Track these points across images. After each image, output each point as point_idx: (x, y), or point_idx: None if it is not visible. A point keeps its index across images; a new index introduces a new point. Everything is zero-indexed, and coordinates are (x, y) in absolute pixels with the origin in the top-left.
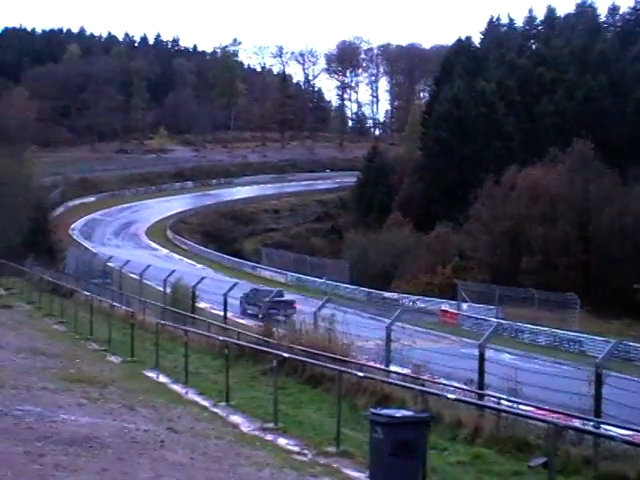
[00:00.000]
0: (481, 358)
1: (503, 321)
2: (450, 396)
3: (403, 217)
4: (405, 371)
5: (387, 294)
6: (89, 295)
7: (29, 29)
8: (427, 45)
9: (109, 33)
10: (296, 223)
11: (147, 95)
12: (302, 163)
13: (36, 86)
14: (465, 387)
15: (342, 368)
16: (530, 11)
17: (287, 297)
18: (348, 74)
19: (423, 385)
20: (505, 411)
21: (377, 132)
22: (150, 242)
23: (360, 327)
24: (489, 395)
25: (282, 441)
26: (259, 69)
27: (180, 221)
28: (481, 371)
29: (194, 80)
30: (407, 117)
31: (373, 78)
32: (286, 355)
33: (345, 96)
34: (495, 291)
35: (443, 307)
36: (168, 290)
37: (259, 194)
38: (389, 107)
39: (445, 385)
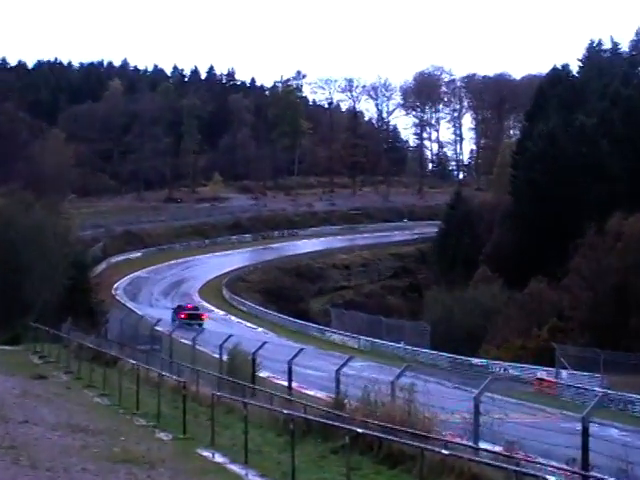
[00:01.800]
0: (585, 434)
1: (609, 391)
2: (549, 478)
3: (492, 272)
4: (496, 449)
5: (474, 360)
6: (135, 364)
7: (65, 63)
8: (517, 75)
9: (155, 66)
10: (370, 280)
11: (199, 136)
12: (376, 211)
13: (74, 127)
14: (566, 467)
15: (424, 445)
16: (638, 34)
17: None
18: (427, 110)
19: (517, 465)
20: None
21: (461, 175)
22: (204, 303)
23: (444, 398)
24: (595, 477)
25: None
26: (326, 105)
27: (238, 279)
28: (585, 449)
29: (252, 119)
30: (495, 158)
31: (456, 114)
32: (360, 430)
33: (424, 135)
34: (599, 356)
35: (539, 375)
36: (225, 357)
37: (327, 247)
38: (474, 147)
39: (543, 465)
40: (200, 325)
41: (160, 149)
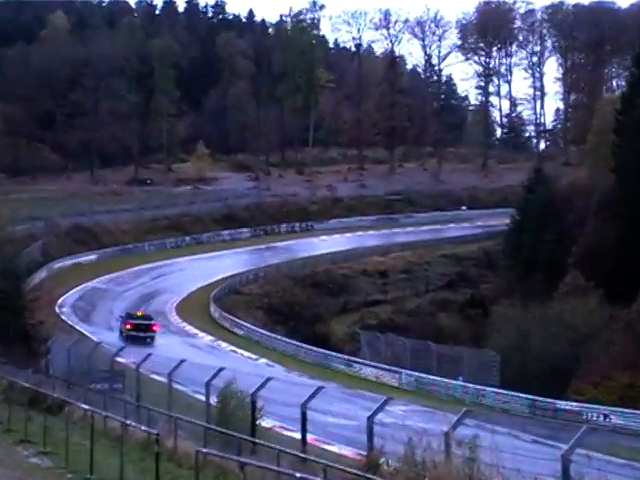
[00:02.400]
0: None
1: None
2: None
3: (586, 280)
4: None
5: (561, 404)
6: (88, 409)
7: None
8: (624, 2)
9: None
10: (414, 292)
11: (177, 93)
12: (422, 197)
13: None
14: None
15: None
16: None
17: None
18: (495, 53)
19: None
20: None
21: (542, 145)
22: (184, 324)
23: (520, 457)
24: None
25: None
26: (353, 49)
27: (231, 291)
28: None
29: (250, 68)
30: (591, 120)
31: (535, 59)
32: None
33: (490, 89)
34: None
35: None
36: (213, 400)
37: (355, 247)
38: (561, 105)
39: None
40: (151, 339)
41: (122, 111)
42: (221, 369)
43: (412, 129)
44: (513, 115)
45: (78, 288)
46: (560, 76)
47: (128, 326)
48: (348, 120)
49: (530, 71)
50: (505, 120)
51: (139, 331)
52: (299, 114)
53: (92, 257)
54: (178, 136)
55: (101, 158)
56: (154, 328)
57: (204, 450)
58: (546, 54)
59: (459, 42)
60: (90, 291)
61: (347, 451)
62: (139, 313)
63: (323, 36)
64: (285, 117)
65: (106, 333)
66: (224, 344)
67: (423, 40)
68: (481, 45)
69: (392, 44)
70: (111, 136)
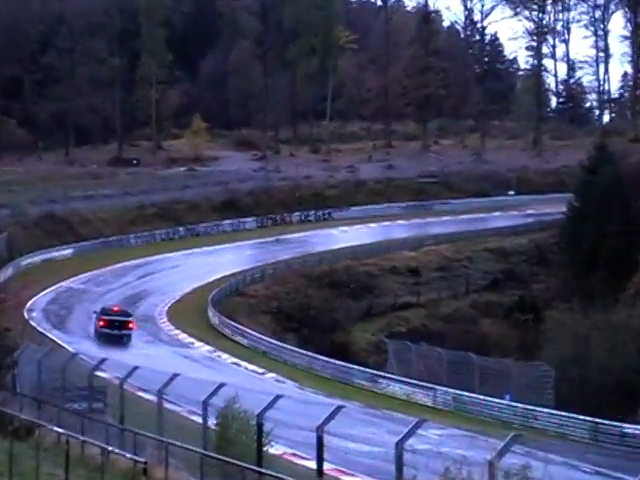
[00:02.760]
0: None
1: None
2: None
3: None
4: None
5: (629, 427)
6: (62, 433)
7: None
8: None
9: None
10: (452, 293)
11: (167, 56)
12: (462, 179)
13: None
14: None
15: None
16: None
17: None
18: (549, 7)
19: None
20: None
21: (606, 118)
22: (177, 332)
23: None
24: None
25: None
26: (379, 2)
27: (233, 292)
28: None
29: (255, 26)
30: None
31: (598, 14)
32: None
33: (544, 50)
34: None
35: None
36: (212, 422)
37: (381, 239)
38: (629, 69)
39: None
40: (127, 338)
41: (103, 77)
42: (221, 385)
43: (449, 99)
44: (571, 81)
45: (51, 289)
46: (628, 34)
47: (101, 323)
48: (373, 88)
49: (592, 28)
50: (561, 88)
51: (113, 328)
52: (314, 81)
53: (67, 252)
54: (170, 107)
55: (78, 134)
56: (129, 325)
57: None
58: (611, 7)
59: None
60: (65, 292)
61: None
62: (115, 308)
63: None
64: (297, 85)
65: (84, 342)
66: (225, 355)
67: None
68: None
69: None
70: (90, 108)
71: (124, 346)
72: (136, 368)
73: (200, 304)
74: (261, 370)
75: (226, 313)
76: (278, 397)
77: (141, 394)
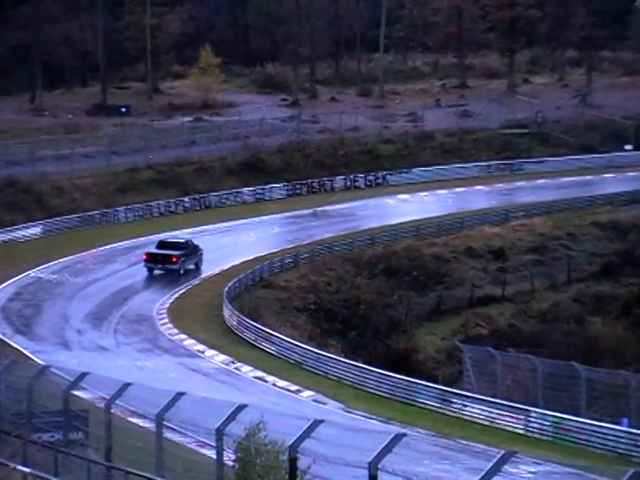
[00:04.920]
0: None
1: None
2: None
3: None
4: None
5: None
6: (29, 473)
7: None
8: None
9: None
10: (549, 282)
11: None
12: (561, 130)
13: None
14: None
15: None
16: None
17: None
18: None
19: None
20: None
21: None
22: (181, 337)
23: None
24: None
25: None
26: None
27: (257, 283)
28: None
29: None
30: None
31: None
32: None
33: None
34: None
35: None
36: (228, 457)
37: (454, 211)
38: None
39: None
40: (174, 271)
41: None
42: (241, 407)
43: (545, 21)
44: None
45: (12, 280)
46: None
47: (144, 256)
48: (441, 8)
49: None
50: None
51: (156, 262)
52: (362, 0)
53: (35, 230)
54: (170, 37)
55: (47, 74)
56: (172, 259)
57: None
58: None
59: None
60: (31, 285)
61: None
62: (172, 240)
63: None
64: (341, 5)
65: (59, 352)
66: (246, 368)
67: None
68: None
69: None
70: (63, 38)
71: (117, 359)
72: (128, 385)
73: (212, 300)
74: (295, 387)
75: (247, 311)
76: (317, 423)
77: (134, 420)
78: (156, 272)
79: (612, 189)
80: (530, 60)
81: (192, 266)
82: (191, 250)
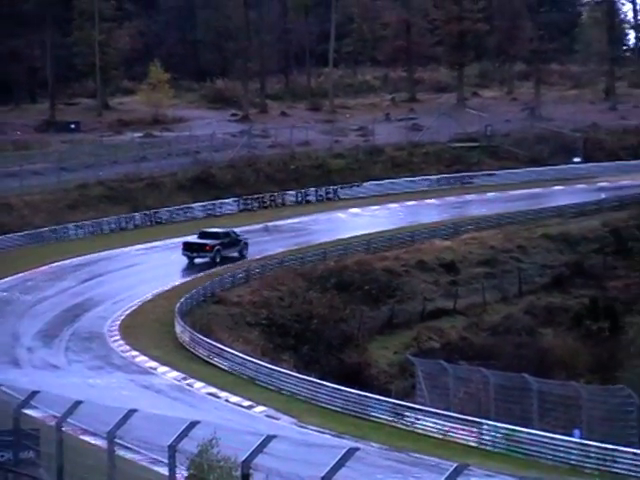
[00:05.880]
0: None
1: None
2: None
3: None
4: None
5: None
6: None
7: None
8: None
9: None
10: (501, 295)
11: None
12: (511, 143)
13: None
14: None
15: None
16: None
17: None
18: None
19: None
20: None
21: None
22: (133, 353)
23: None
24: None
25: None
26: None
27: (208, 298)
28: None
29: None
30: None
31: None
32: None
33: None
34: None
35: None
36: (181, 474)
37: (403, 225)
38: None
39: None
40: (211, 259)
41: (27, 11)
42: (193, 424)
43: (493, 35)
44: None
45: None
46: None
47: (182, 245)
48: (390, 22)
49: None
50: None
51: (192, 251)
52: (312, 14)
53: None
54: (119, 53)
55: None
56: (206, 248)
57: None
58: None
59: None
60: None
61: None
62: (211, 230)
63: None
64: (290, 20)
65: (9, 370)
66: (198, 384)
67: None
68: None
69: None
70: (11, 54)
71: (68, 377)
72: (79, 403)
73: (164, 316)
74: (247, 403)
75: (199, 327)
76: (270, 438)
77: (86, 438)
78: (197, 260)
79: (561, 201)
80: (479, 74)
81: (235, 254)
82: (231, 240)
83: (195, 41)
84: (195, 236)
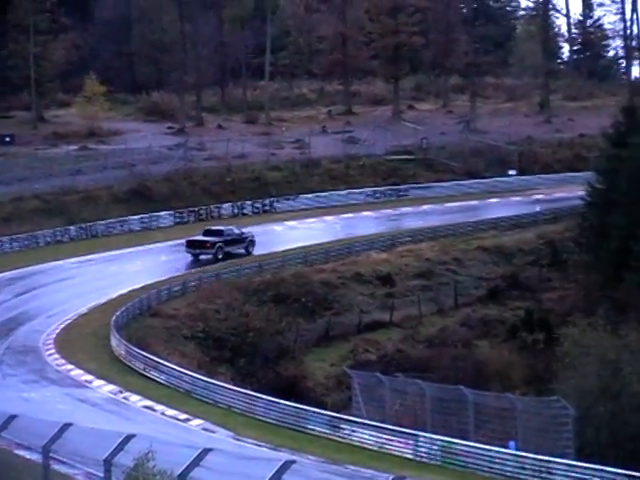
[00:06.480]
0: None
1: None
2: None
3: None
4: None
5: None
6: None
7: None
8: None
9: None
10: (437, 307)
11: None
12: (446, 156)
13: None
14: None
15: None
16: None
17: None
18: None
19: None
20: None
21: (636, 71)
22: (69, 367)
23: None
24: None
25: None
26: None
27: (144, 311)
28: None
29: None
30: None
31: None
32: None
33: None
34: None
35: None
36: None
37: (340, 237)
38: None
39: None
40: (212, 256)
41: None
42: (129, 437)
43: (429, 48)
44: (588, 23)
45: None
46: None
47: (185, 243)
48: (326, 35)
49: None
50: (576, 32)
51: (194, 248)
52: (248, 28)
53: None
54: (54, 66)
55: None
56: (206, 245)
57: None
58: None
59: None
60: None
61: None
62: (214, 228)
63: None
64: (225, 33)
65: None
66: (134, 397)
67: None
68: None
69: None
70: None
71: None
72: (13, 418)
73: (100, 329)
74: (184, 416)
75: (136, 340)
76: (206, 451)
77: (21, 452)
78: (202, 257)
79: (497, 214)
80: (415, 87)
81: (241, 250)
82: (234, 238)
83: (131, 54)
84: (200, 235)
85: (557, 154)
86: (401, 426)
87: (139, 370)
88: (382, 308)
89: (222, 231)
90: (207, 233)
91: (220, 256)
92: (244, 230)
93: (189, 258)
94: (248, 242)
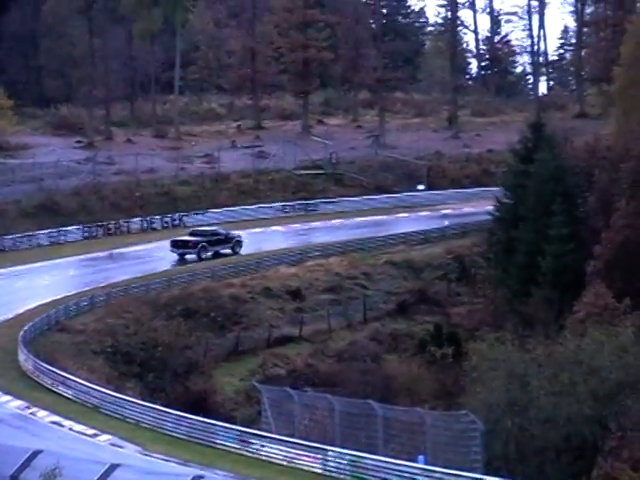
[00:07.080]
0: None
1: None
2: None
3: (616, 298)
4: None
5: None
6: None
7: None
8: None
9: None
10: (346, 322)
11: None
12: (355, 171)
13: None
14: None
15: None
16: None
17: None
18: None
19: None
20: None
21: (542, 88)
22: None
23: None
24: None
25: None
26: None
27: (52, 326)
28: None
29: None
30: (619, 46)
31: None
32: None
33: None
34: None
35: None
36: None
37: (250, 252)
38: (571, 22)
39: None
40: (196, 256)
41: None
42: (36, 453)
43: (338, 63)
44: (496, 39)
45: None
46: None
47: (170, 243)
48: (236, 50)
49: None
50: (484, 48)
51: (177, 248)
52: (157, 42)
53: None
54: None
55: None
56: (189, 244)
57: None
58: None
59: None
60: None
61: None
62: (200, 228)
63: None
64: (134, 47)
65: None
66: (42, 413)
67: None
68: None
69: None
70: None
71: None
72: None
73: (7, 344)
74: (92, 431)
75: (43, 355)
76: (114, 467)
77: None
78: (188, 257)
79: (406, 228)
80: (324, 101)
81: (228, 250)
82: (219, 238)
83: (39, 67)
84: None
85: (465, 169)
86: (310, 441)
87: (47, 385)
88: (292, 322)
89: (206, 232)
90: (193, 234)
91: (204, 255)
92: (232, 232)
93: (98, 273)
94: (234, 242)
